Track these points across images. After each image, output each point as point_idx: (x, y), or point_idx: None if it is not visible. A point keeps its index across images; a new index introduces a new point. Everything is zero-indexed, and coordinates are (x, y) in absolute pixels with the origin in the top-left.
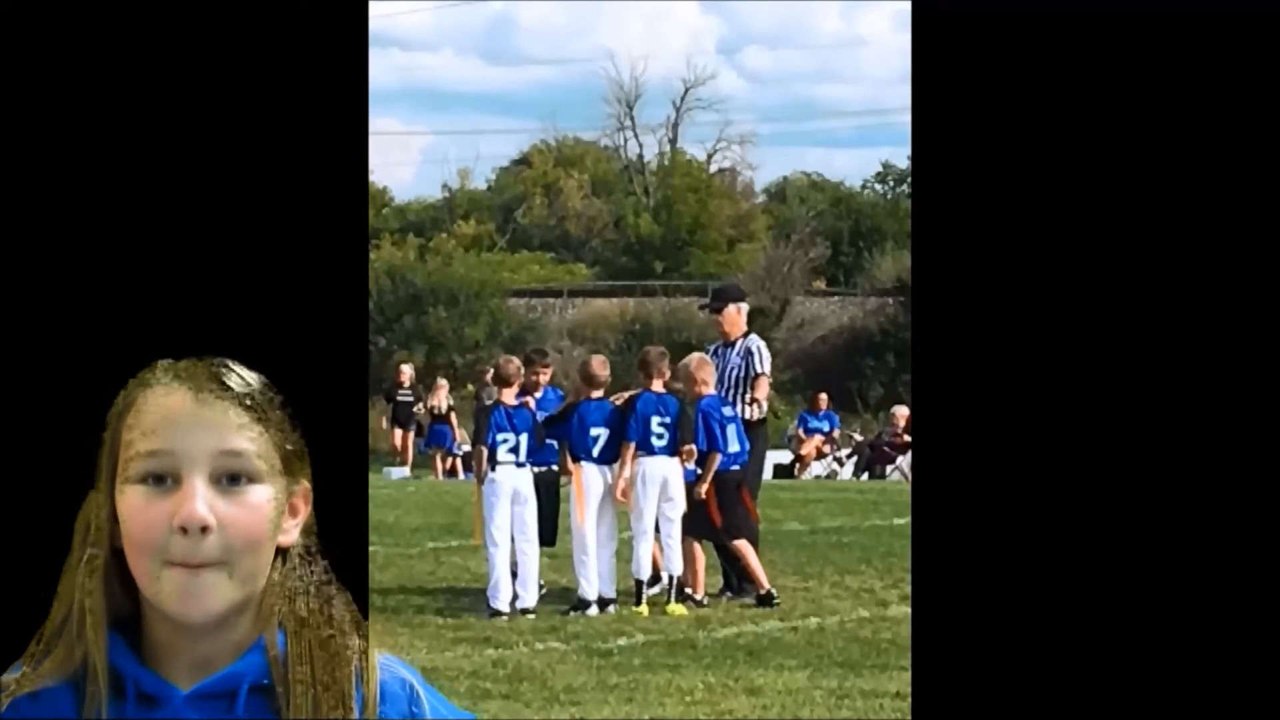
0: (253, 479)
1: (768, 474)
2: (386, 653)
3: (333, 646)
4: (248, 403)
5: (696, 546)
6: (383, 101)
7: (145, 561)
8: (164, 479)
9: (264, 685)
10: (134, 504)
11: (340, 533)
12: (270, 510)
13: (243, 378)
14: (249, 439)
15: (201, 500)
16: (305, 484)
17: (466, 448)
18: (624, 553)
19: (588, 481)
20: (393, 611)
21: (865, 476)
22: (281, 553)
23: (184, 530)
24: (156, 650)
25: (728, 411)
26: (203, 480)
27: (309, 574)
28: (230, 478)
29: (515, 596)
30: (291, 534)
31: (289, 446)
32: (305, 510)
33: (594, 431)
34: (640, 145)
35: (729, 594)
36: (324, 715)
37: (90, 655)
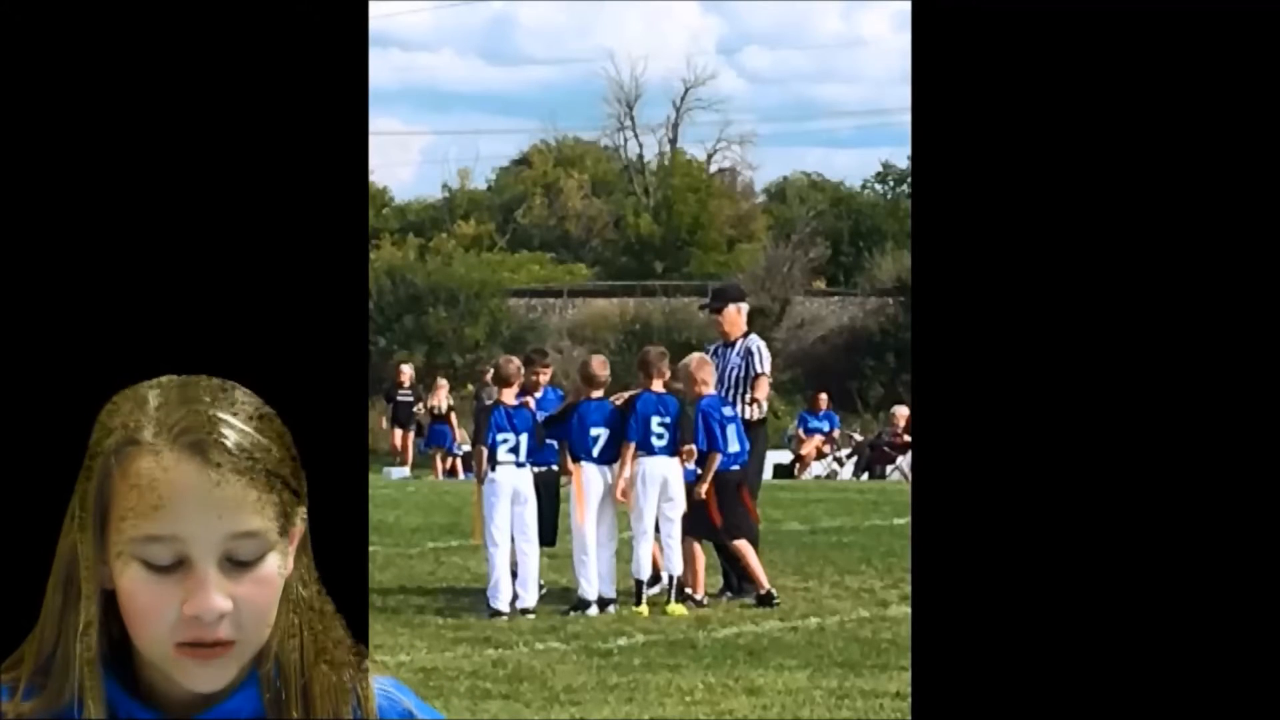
0: (264, 550)
1: (768, 474)
2: (384, 676)
3: (328, 680)
4: (251, 462)
5: (696, 546)
6: (383, 101)
7: (150, 641)
8: (171, 562)
9: None
10: (136, 584)
11: (340, 533)
12: (280, 572)
13: (240, 429)
14: (259, 513)
15: (216, 590)
16: (302, 510)
17: (466, 448)
18: (624, 553)
19: (588, 481)
20: (393, 611)
21: (865, 476)
22: None
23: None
24: (149, 683)
25: (728, 411)
26: (214, 566)
27: (303, 604)
28: (242, 558)
29: (515, 596)
30: (290, 562)
31: (291, 491)
32: (300, 532)
33: (594, 431)
34: (640, 145)
35: (729, 594)
36: None
37: (88, 712)
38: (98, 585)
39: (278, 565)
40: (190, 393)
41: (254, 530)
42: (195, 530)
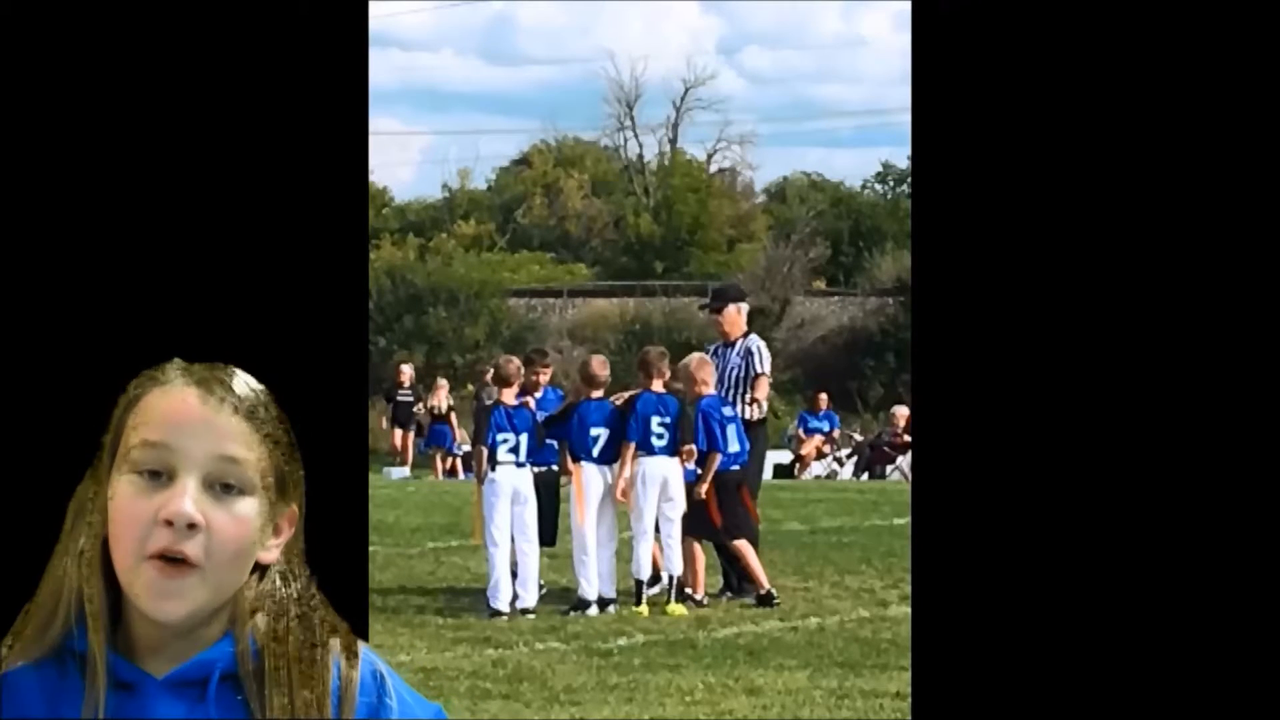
0: (244, 490)
1: (768, 474)
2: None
3: (308, 653)
4: (251, 412)
5: (696, 546)
6: (383, 101)
7: (126, 552)
8: (158, 474)
9: (236, 674)
10: (124, 493)
11: (340, 533)
12: (256, 524)
13: (250, 387)
14: (246, 448)
15: (191, 499)
16: (294, 508)
17: (466, 448)
18: (624, 553)
19: (588, 481)
20: (393, 611)
21: (865, 476)
22: (261, 568)
23: (169, 523)
24: (133, 643)
25: (728, 411)
26: (196, 481)
27: (287, 593)
28: (223, 485)
29: (515, 596)
30: (273, 552)
31: (284, 466)
32: (289, 532)
33: (594, 431)
34: (640, 145)
35: (729, 594)
36: (299, 716)
37: (90, 645)
38: (103, 514)
39: (255, 512)
40: (211, 364)
41: (236, 457)
42: (184, 443)
